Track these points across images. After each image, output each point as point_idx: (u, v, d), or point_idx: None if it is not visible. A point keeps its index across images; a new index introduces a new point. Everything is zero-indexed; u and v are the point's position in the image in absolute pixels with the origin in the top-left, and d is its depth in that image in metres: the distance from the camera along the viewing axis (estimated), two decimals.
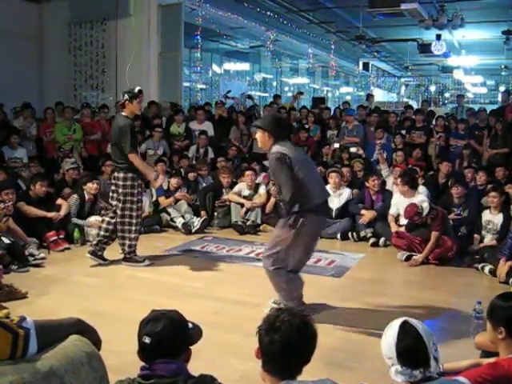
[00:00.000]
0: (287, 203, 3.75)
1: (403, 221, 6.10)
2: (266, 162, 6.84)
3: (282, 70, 20.95)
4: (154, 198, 7.26)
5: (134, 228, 5.18)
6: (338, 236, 6.63)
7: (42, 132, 8.52)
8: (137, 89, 5.06)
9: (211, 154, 8.62)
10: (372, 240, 6.39)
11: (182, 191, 7.16)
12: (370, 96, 12.49)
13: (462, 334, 3.58)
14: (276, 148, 3.76)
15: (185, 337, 1.88)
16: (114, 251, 5.51)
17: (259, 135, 3.91)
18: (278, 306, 3.88)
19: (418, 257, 5.54)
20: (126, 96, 5.03)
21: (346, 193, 6.93)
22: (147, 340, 1.81)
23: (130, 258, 5.25)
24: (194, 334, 1.95)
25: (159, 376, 1.78)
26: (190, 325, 1.96)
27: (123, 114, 5.11)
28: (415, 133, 8.67)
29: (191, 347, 1.94)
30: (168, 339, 1.81)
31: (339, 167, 7.36)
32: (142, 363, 1.85)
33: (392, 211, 6.31)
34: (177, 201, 7.08)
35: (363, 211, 6.67)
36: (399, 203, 6.21)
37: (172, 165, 8.16)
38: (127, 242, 5.20)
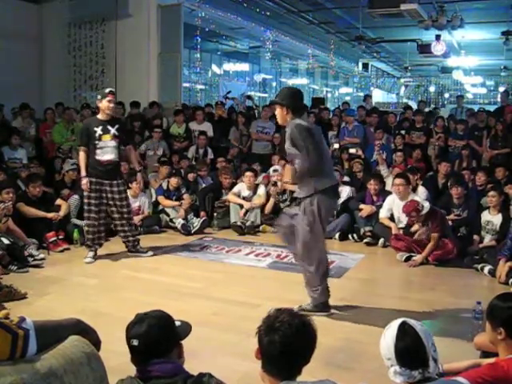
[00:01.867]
0: (303, 174, 3.73)
1: (401, 224, 6.13)
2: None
3: (281, 71, 20.97)
4: (153, 199, 7.27)
5: (85, 222, 5.54)
6: (337, 236, 6.62)
7: (41, 133, 8.52)
8: (107, 90, 5.38)
9: (210, 155, 8.64)
10: (368, 239, 6.40)
11: (185, 194, 7.14)
12: (367, 97, 12.47)
13: (461, 334, 3.58)
14: (299, 121, 3.77)
15: (171, 333, 1.89)
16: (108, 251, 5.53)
17: (278, 111, 3.89)
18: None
19: (418, 257, 5.54)
20: (99, 96, 5.39)
21: (346, 190, 6.92)
22: (135, 343, 1.81)
23: (87, 245, 5.52)
24: (182, 330, 1.96)
25: (156, 377, 1.78)
26: (178, 322, 1.96)
27: (96, 115, 5.48)
28: (415, 133, 8.68)
29: (187, 347, 1.94)
30: (155, 338, 1.82)
31: (339, 167, 7.38)
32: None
33: (383, 214, 6.32)
34: (178, 199, 7.09)
35: (362, 205, 6.68)
36: (394, 206, 6.24)
37: (172, 165, 8.17)
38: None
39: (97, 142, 5.29)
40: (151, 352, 1.81)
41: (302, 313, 1.89)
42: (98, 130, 5.29)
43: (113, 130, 5.35)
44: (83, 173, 5.38)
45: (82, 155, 5.39)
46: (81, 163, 5.42)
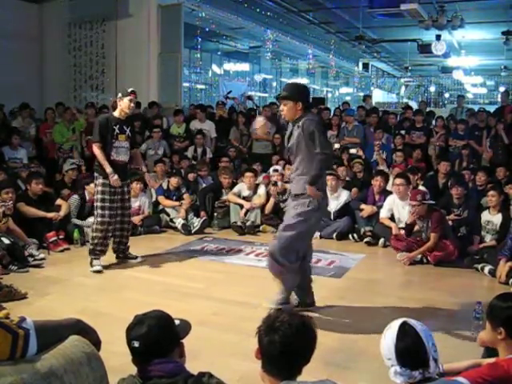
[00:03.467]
0: (318, 169, 3.67)
1: (401, 224, 6.13)
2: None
3: (281, 71, 20.95)
4: (153, 199, 7.28)
5: (95, 227, 5.13)
6: (334, 236, 6.61)
7: (41, 133, 8.52)
8: (130, 89, 5.12)
9: (209, 154, 8.64)
10: (368, 239, 6.40)
11: (185, 194, 7.14)
12: (367, 97, 12.45)
13: (461, 334, 3.58)
14: (313, 116, 3.78)
15: (172, 333, 1.89)
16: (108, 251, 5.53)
17: (288, 107, 3.74)
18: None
19: (413, 252, 5.54)
20: (119, 94, 5.15)
21: (344, 195, 6.90)
22: (136, 344, 1.81)
23: (91, 258, 5.16)
24: (181, 329, 1.96)
25: (158, 376, 1.78)
26: (177, 321, 1.96)
27: (112, 113, 5.22)
28: (415, 133, 8.68)
29: (187, 347, 1.94)
30: (155, 338, 1.82)
31: (336, 168, 7.38)
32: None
33: (384, 214, 6.34)
34: (178, 199, 7.09)
35: (363, 205, 6.68)
36: (394, 206, 6.26)
37: (172, 165, 8.18)
38: (90, 241, 5.22)
39: (113, 140, 5.06)
40: (152, 353, 1.81)
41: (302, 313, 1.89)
42: (116, 129, 5.07)
43: (127, 131, 5.18)
44: (109, 169, 4.98)
45: (100, 151, 5.00)
46: (102, 159, 4.99)
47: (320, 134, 3.70)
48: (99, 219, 5.10)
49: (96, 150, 5.04)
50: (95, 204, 5.15)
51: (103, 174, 5.04)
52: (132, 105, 5.14)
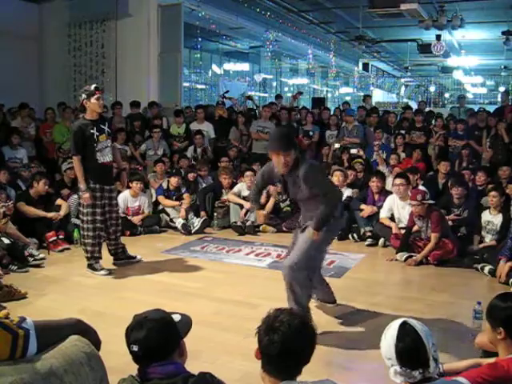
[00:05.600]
0: (331, 208, 3.50)
1: (401, 224, 6.14)
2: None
3: (281, 71, 20.96)
4: (153, 198, 7.28)
5: (86, 234, 5.00)
6: None
7: (41, 132, 8.52)
8: (93, 86, 4.89)
9: (210, 154, 8.64)
10: (369, 241, 6.40)
11: (185, 194, 7.14)
12: (366, 97, 12.45)
13: (461, 334, 3.59)
14: (310, 161, 3.58)
15: (172, 334, 1.86)
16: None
17: (287, 159, 3.40)
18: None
19: (417, 256, 5.54)
20: (83, 95, 4.87)
21: (347, 192, 6.93)
22: (135, 348, 1.79)
23: (90, 264, 5.07)
24: (182, 325, 1.93)
25: (158, 378, 1.76)
26: (178, 316, 1.93)
27: (84, 116, 4.95)
28: (415, 133, 8.68)
29: (187, 347, 1.93)
30: (155, 343, 1.79)
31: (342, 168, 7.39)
32: None
33: (383, 214, 6.34)
34: (178, 199, 7.09)
35: (363, 206, 6.69)
36: (394, 206, 6.26)
37: (172, 165, 8.18)
38: (83, 248, 5.11)
39: (95, 144, 4.86)
40: (152, 357, 1.79)
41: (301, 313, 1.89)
42: (94, 131, 4.86)
43: (106, 129, 5.00)
44: (84, 186, 4.86)
45: (79, 165, 4.85)
46: (80, 174, 4.88)
47: (323, 180, 3.57)
48: (90, 225, 4.96)
49: (75, 162, 4.91)
50: (86, 210, 4.95)
51: (95, 180, 4.93)
52: (101, 102, 4.92)
